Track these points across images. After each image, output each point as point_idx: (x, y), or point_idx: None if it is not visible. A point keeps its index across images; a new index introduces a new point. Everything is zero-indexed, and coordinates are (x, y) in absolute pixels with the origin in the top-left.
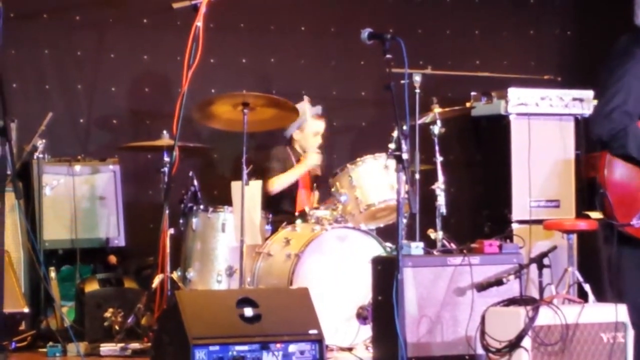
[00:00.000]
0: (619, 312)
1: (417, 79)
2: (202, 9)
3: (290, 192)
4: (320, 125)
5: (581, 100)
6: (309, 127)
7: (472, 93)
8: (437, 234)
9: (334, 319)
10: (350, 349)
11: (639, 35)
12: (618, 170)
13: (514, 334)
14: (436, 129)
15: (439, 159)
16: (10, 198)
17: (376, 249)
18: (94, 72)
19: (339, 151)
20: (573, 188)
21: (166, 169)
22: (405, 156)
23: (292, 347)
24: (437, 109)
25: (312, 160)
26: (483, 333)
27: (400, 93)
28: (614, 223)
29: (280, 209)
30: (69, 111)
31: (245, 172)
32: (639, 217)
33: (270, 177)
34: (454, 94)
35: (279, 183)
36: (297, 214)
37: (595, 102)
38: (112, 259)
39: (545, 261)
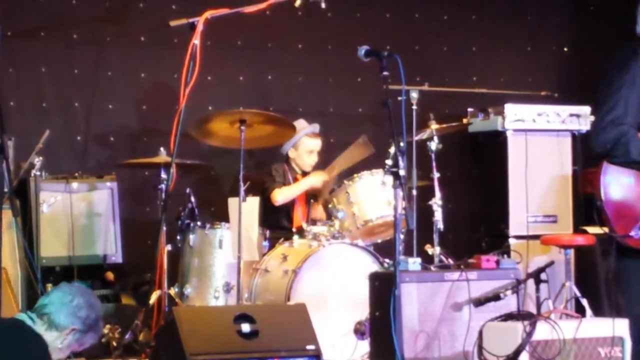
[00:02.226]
0: (617, 326)
1: (414, 95)
2: (199, 27)
3: (287, 208)
4: (314, 144)
5: (578, 116)
6: (302, 145)
7: (469, 109)
8: (434, 250)
9: (332, 334)
10: None
11: (638, 45)
12: (614, 183)
13: (512, 349)
14: (433, 145)
15: (436, 175)
16: (7, 215)
17: (373, 264)
18: (91, 90)
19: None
20: (570, 203)
21: (163, 186)
22: (402, 172)
23: None
24: (434, 125)
25: (316, 181)
26: (480, 348)
27: (398, 109)
28: (614, 235)
29: (277, 225)
30: (67, 129)
31: (242, 188)
32: (639, 227)
33: (274, 188)
34: (451, 110)
35: (283, 195)
36: (294, 229)
37: (592, 118)
38: (110, 275)
39: (543, 276)
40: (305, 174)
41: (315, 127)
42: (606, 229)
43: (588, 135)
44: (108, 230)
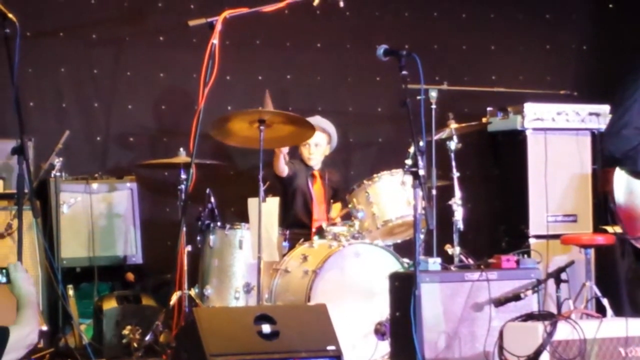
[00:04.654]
0: (637, 326)
1: (433, 94)
2: (218, 27)
3: (305, 206)
4: None
5: (597, 114)
6: None
7: (489, 108)
8: (454, 250)
9: (352, 335)
10: None
11: None
12: (627, 187)
13: (532, 349)
14: (452, 144)
15: (455, 174)
16: (27, 216)
17: (393, 265)
18: (110, 90)
19: (356, 167)
20: (590, 203)
21: (183, 186)
22: (421, 172)
23: None
24: (453, 125)
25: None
26: (501, 348)
27: (417, 109)
28: (626, 237)
29: (296, 223)
30: (86, 129)
31: (262, 188)
32: None
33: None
34: (470, 109)
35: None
36: (313, 229)
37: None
38: (130, 276)
39: (563, 276)
40: (322, 170)
41: (315, 119)
42: (620, 231)
43: (602, 138)
44: (128, 231)
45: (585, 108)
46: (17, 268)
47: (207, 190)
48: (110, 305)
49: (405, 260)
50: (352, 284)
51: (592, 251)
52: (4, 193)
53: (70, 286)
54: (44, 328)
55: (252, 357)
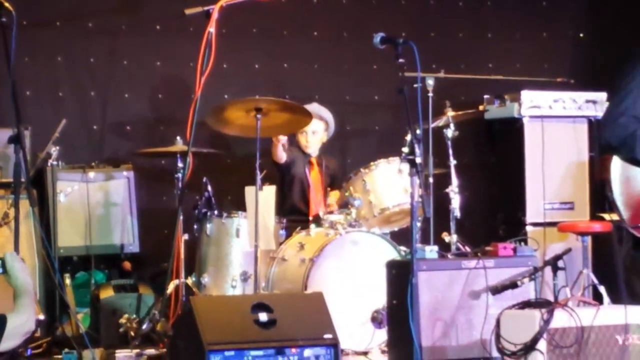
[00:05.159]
0: (634, 314)
1: (430, 82)
2: (215, 15)
3: (303, 194)
4: None
5: (594, 102)
6: None
7: (485, 96)
8: (451, 238)
9: (349, 323)
10: (365, 353)
11: None
12: (625, 175)
13: (529, 337)
14: (449, 132)
15: (452, 162)
16: (24, 205)
17: (390, 253)
18: (107, 79)
19: (353, 155)
20: (587, 190)
21: (180, 175)
22: (418, 160)
23: (307, 352)
24: (450, 113)
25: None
26: (498, 336)
27: (413, 97)
28: (624, 225)
29: (293, 211)
30: (83, 118)
31: (259, 177)
32: None
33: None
34: (467, 97)
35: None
36: (310, 216)
37: (608, 104)
38: (127, 265)
39: (560, 263)
40: (319, 157)
41: (312, 107)
42: (618, 219)
43: (600, 126)
44: (125, 220)
45: (582, 95)
46: (13, 257)
47: (204, 179)
48: (107, 294)
49: (402, 248)
50: (349, 272)
51: (589, 239)
52: (0, 182)
53: (67, 275)
54: (41, 317)
55: (249, 345)
